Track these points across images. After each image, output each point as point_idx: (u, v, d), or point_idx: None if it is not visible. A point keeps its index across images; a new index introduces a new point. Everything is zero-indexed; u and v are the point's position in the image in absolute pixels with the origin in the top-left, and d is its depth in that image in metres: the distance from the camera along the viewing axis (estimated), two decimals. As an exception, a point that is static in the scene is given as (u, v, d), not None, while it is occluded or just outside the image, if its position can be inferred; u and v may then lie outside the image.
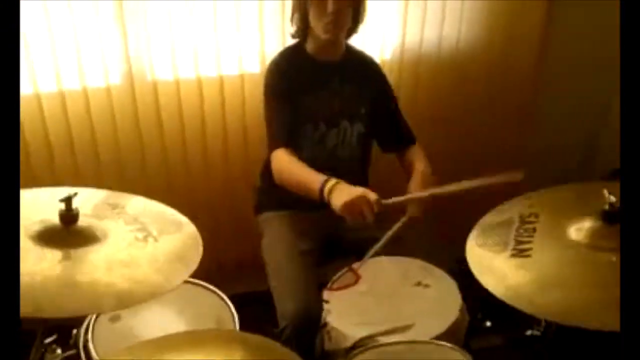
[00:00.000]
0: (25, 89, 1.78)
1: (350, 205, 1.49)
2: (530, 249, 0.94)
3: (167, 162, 2.01)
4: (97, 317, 1.50)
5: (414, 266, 1.65)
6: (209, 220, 1.85)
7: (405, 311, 1.47)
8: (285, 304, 1.56)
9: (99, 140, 1.91)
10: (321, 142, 1.78)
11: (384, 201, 1.53)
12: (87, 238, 0.99)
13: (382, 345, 1.32)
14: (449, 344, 1.28)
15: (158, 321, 1.45)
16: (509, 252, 0.96)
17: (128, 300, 0.97)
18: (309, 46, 1.76)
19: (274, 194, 1.78)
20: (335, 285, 1.60)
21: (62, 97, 1.83)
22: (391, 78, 1.94)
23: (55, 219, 0.98)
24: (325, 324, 1.49)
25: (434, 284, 1.58)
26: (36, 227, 0.99)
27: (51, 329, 1.55)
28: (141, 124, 1.93)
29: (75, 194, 0.95)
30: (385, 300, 1.53)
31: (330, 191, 1.53)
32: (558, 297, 0.87)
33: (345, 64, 1.78)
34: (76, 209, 0.97)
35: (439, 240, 1.80)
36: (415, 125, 1.91)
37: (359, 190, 1.51)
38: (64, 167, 1.90)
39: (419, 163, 1.78)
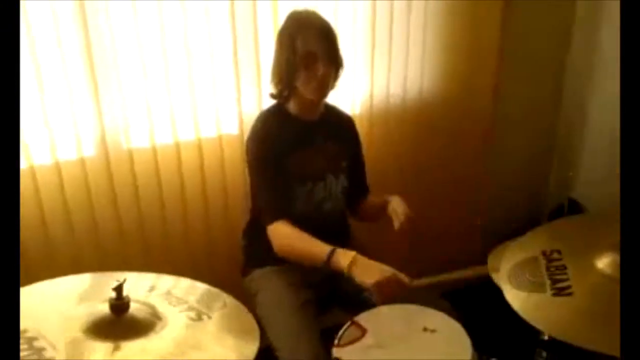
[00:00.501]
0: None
1: (383, 285, 1.51)
2: (570, 286, 0.99)
3: (144, 230, 1.95)
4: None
5: (414, 312, 1.67)
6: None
7: (420, 358, 1.48)
8: (293, 354, 1.54)
9: (73, 212, 1.83)
10: (309, 198, 1.80)
11: (416, 282, 1.55)
12: (145, 325, 0.93)
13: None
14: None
15: None
16: (549, 292, 1.00)
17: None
18: (292, 107, 1.78)
19: (263, 251, 1.76)
20: (342, 342, 1.60)
21: (32, 172, 1.75)
22: (362, 131, 2.01)
23: (103, 309, 0.91)
24: (341, 382, 1.47)
25: (439, 328, 1.60)
26: (85, 318, 0.92)
27: None
28: (117, 193, 1.87)
29: (125, 280, 0.89)
30: (397, 350, 1.53)
31: (352, 264, 1.54)
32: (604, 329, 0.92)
33: (326, 120, 1.84)
34: (127, 296, 0.91)
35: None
36: (385, 175, 2.00)
37: (390, 271, 1.52)
38: (37, 244, 1.79)
39: (386, 195, 1.83)
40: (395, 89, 2.18)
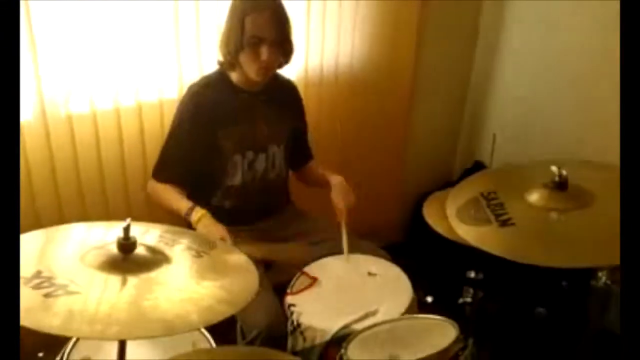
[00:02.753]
0: None
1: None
2: (511, 218, 1.19)
3: (83, 196, 1.92)
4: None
5: (357, 260, 1.82)
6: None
7: (367, 299, 1.62)
8: (254, 313, 1.58)
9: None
10: (251, 169, 1.85)
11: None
12: (154, 261, 0.98)
13: (367, 329, 1.46)
14: (428, 316, 1.48)
15: (134, 354, 1.41)
16: (495, 224, 1.19)
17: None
18: (235, 77, 1.79)
19: (210, 212, 1.76)
20: (294, 290, 1.71)
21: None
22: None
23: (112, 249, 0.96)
24: (299, 325, 1.58)
25: (382, 272, 1.77)
26: (97, 258, 0.96)
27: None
28: (55, 160, 1.83)
29: (129, 224, 0.94)
30: (346, 293, 1.67)
31: (198, 220, 1.68)
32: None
33: (271, 90, 1.85)
34: (133, 237, 0.96)
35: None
36: (319, 139, 2.11)
37: (222, 234, 1.64)
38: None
39: (330, 174, 1.93)
40: (329, 59, 2.29)
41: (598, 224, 1.16)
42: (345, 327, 1.52)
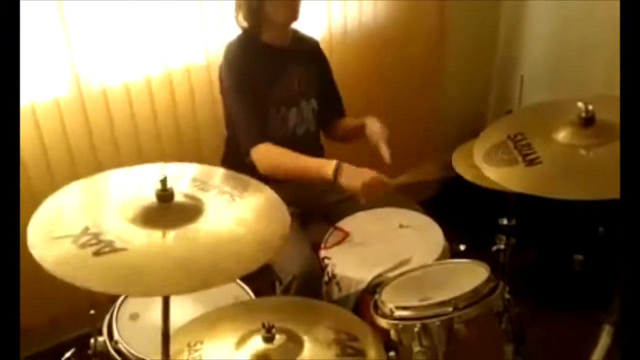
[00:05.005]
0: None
1: (368, 187, 1.64)
2: (539, 157, 1.19)
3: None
4: (114, 320, 1.51)
5: (389, 213, 1.85)
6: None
7: (399, 249, 1.65)
8: (288, 261, 1.64)
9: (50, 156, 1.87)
10: (283, 123, 1.89)
11: (394, 181, 1.69)
12: (190, 211, 1.03)
13: (400, 275, 1.50)
14: (459, 260, 1.51)
15: (179, 312, 1.49)
16: (522, 164, 1.19)
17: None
18: (264, 35, 1.84)
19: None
20: (328, 244, 1.76)
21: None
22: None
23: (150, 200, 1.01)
24: (334, 276, 1.63)
25: (413, 223, 1.80)
26: (134, 210, 1.01)
27: (68, 344, 1.53)
28: (93, 133, 1.91)
29: (166, 176, 0.98)
30: (379, 245, 1.71)
31: (338, 173, 1.66)
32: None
33: (296, 46, 1.91)
34: (171, 187, 1.00)
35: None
36: (348, 96, 2.12)
37: (371, 172, 1.65)
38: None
39: (361, 117, 1.95)
40: (352, 16, 2.29)
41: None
42: (379, 275, 1.57)
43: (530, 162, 1.19)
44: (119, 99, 1.92)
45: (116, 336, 1.46)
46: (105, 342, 1.46)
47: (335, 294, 1.63)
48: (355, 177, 1.65)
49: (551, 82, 2.60)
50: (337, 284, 1.62)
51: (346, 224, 1.83)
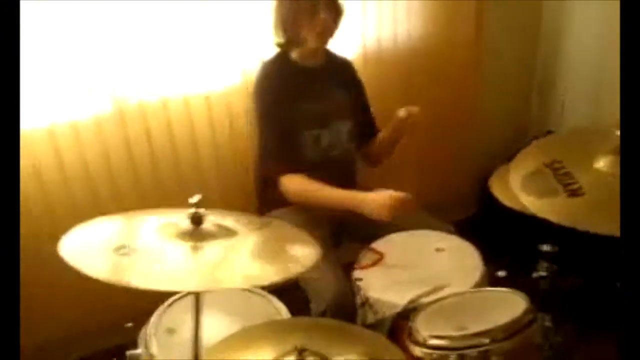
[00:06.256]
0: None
1: (393, 210, 1.63)
2: (581, 187, 1.15)
3: (161, 182, 2.03)
4: (151, 334, 1.53)
5: (424, 236, 1.81)
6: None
7: (435, 274, 1.62)
8: (321, 286, 1.64)
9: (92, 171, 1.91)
10: (316, 144, 1.88)
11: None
12: (221, 233, 1.07)
13: (435, 301, 1.47)
14: (498, 288, 1.46)
15: (214, 327, 1.46)
16: (564, 195, 1.15)
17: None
18: (295, 54, 1.85)
19: (276, 195, 1.84)
20: (362, 265, 1.74)
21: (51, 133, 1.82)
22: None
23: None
24: (367, 299, 1.61)
25: (450, 246, 1.76)
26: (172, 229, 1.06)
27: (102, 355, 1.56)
28: (132, 148, 1.95)
29: (199, 198, 1.02)
30: (414, 269, 1.67)
31: (362, 207, 1.67)
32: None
33: (329, 66, 1.92)
34: (202, 210, 1.04)
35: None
36: (381, 116, 2.09)
37: (386, 195, 1.64)
38: (60, 201, 1.88)
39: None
40: (386, 34, 2.27)
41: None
42: (414, 300, 1.53)
43: (573, 193, 1.15)
44: (158, 116, 1.96)
45: (152, 350, 1.47)
46: (141, 356, 1.48)
47: (370, 317, 1.60)
48: (378, 209, 1.64)
49: (590, 107, 2.52)
50: (371, 307, 1.60)
51: (380, 245, 1.80)
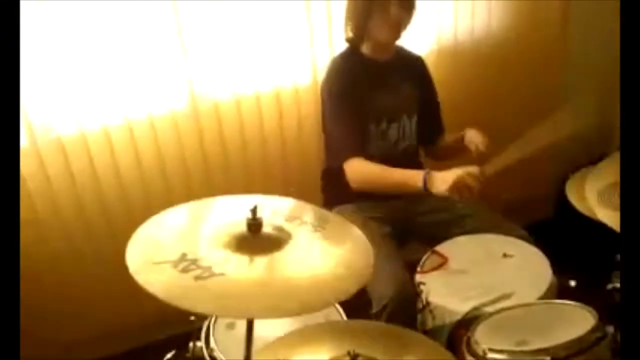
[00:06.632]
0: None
1: (457, 186, 1.58)
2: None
3: (230, 178, 2.09)
4: (213, 326, 1.58)
5: (492, 240, 1.75)
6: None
7: (501, 282, 1.56)
8: (382, 284, 1.62)
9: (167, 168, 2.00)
10: (384, 138, 1.88)
11: (487, 169, 1.61)
12: (278, 240, 1.08)
13: (498, 312, 1.42)
14: (566, 302, 1.39)
15: (268, 326, 1.44)
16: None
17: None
18: (365, 49, 1.85)
19: (341, 190, 1.85)
20: (425, 268, 1.71)
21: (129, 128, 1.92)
22: (432, 70, 2.05)
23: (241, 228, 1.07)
24: (428, 303, 1.58)
25: (518, 254, 1.69)
26: (230, 238, 1.07)
27: (167, 344, 1.64)
28: (205, 145, 2.02)
29: (256, 206, 1.03)
30: (479, 275, 1.63)
31: (428, 182, 1.63)
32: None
33: (398, 61, 1.90)
34: (260, 217, 1.05)
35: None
36: (457, 113, 2.04)
37: (457, 171, 1.59)
38: (137, 199, 1.98)
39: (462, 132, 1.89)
40: (463, 24, 2.20)
41: None
42: (476, 308, 1.49)
43: None
44: (230, 114, 2.02)
45: (212, 344, 1.53)
46: (202, 348, 1.54)
47: (429, 323, 1.58)
48: (441, 182, 1.60)
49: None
50: (431, 312, 1.57)
51: (445, 248, 1.76)
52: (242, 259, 1.02)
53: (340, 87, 1.82)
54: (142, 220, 1.20)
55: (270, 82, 2.03)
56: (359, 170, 1.77)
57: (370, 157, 1.80)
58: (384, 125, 1.87)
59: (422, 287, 1.62)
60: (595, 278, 1.66)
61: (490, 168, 1.62)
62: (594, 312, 1.27)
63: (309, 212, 1.24)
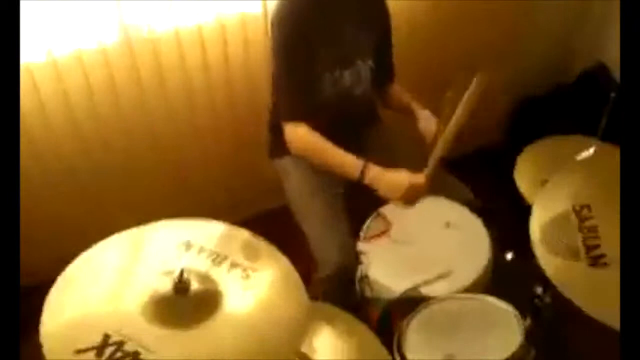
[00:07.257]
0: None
1: (406, 197, 1.56)
2: (604, 255, 0.95)
3: (173, 116, 1.95)
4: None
5: (437, 205, 1.72)
6: (220, 167, 1.97)
7: (440, 257, 1.58)
8: (326, 252, 1.62)
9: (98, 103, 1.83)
10: (338, 85, 1.74)
11: (427, 173, 1.58)
12: (208, 299, 1.00)
13: (434, 302, 1.46)
14: (496, 302, 1.43)
15: None
16: (585, 262, 0.96)
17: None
18: None
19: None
20: (368, 235, 1.70)
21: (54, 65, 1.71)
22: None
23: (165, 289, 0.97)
24: (366, 277, 1.59)
25: (461, 223, 1.68)
26: (155, 307, 0.96)
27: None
28: (143, 81, 1.84)
29: (182, 269, 0.94)
30: (420, 248, 1.63)
31: (365, 176, 1.58)
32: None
33: (356, 2, 1.71)
34: (188, 278, 0.96)
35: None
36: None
37: (405, 180, 1.55)
38: (65, 136, 1.83)
39: (417, 106, 1.81)
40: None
41: None
42: (412, 289, 1.52)
43: (594, 261, 0.96)
44: (169, 48, 1.82)
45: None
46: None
47: (368, 293, 1.60)
48: (388, 190, 1.57)
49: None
50: (369, 284, 1.60)
51: (390, 211, 1.74)
52: (171, 334, 0.94)
53: (291, 30, 1.62)
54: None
55: (213, 11, 1.81)
56: (301, 139, 1.66)
57: (323, 105, 1.69)
58: (337, 72, 1.72)
59: (362, 257, 1.63)
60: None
61: (430, 170, 1.59)
62: (519, 317, 1.29)
63: (238, 244, 1.14)
